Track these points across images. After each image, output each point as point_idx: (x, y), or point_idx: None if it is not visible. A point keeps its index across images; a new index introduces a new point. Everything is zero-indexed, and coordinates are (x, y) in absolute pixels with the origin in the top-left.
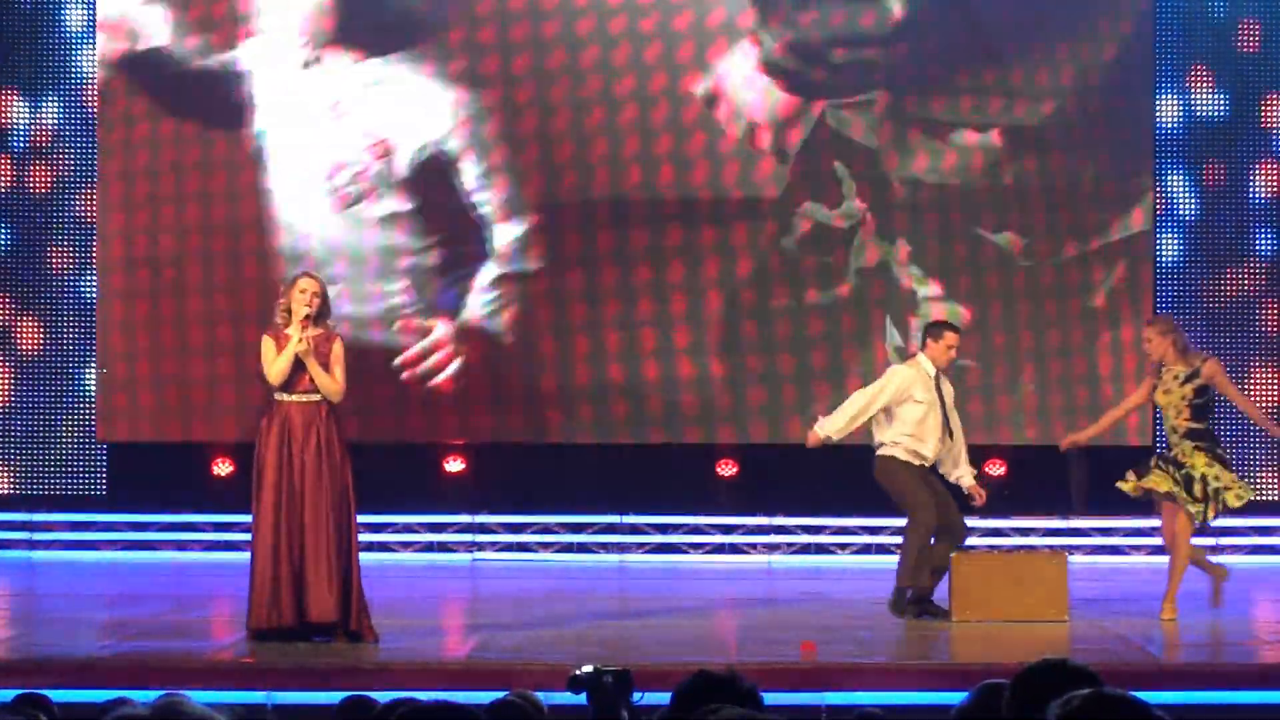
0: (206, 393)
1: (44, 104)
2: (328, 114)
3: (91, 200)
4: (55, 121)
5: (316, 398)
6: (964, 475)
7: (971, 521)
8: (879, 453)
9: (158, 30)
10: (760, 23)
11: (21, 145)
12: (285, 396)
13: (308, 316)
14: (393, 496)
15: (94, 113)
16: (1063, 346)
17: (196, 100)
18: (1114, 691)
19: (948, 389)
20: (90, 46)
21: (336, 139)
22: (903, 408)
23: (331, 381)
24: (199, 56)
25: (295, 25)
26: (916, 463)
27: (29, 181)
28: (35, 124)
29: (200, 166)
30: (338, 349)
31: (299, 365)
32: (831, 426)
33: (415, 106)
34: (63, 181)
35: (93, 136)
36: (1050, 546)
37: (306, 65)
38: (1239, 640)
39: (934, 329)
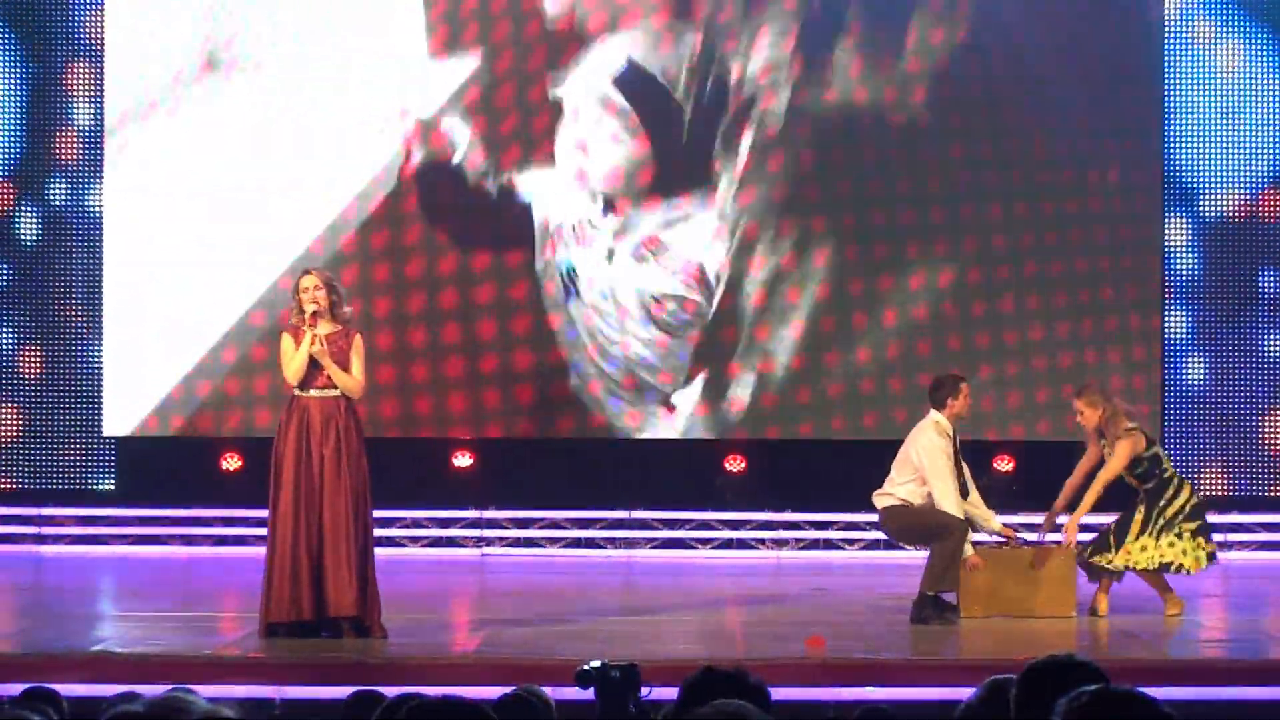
0: (215, 387)
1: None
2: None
3: (100, 196)
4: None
5: (335, 393)
6: (991, 520)
7: None
8: (885, 505)
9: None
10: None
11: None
12: (304, 392)
13: (315, 314)
14: (401, 491)
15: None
16: (1072, 337)
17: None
18: (1121, 688)
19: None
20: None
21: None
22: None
23: (349, 379)
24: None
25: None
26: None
27: (44, 178)
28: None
29: None
30: (358, 343)
31: (317, 361)
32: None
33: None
34: (74, 177)
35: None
36: (1058, 542)
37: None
38: (1246, 636)
39: (951, 385)
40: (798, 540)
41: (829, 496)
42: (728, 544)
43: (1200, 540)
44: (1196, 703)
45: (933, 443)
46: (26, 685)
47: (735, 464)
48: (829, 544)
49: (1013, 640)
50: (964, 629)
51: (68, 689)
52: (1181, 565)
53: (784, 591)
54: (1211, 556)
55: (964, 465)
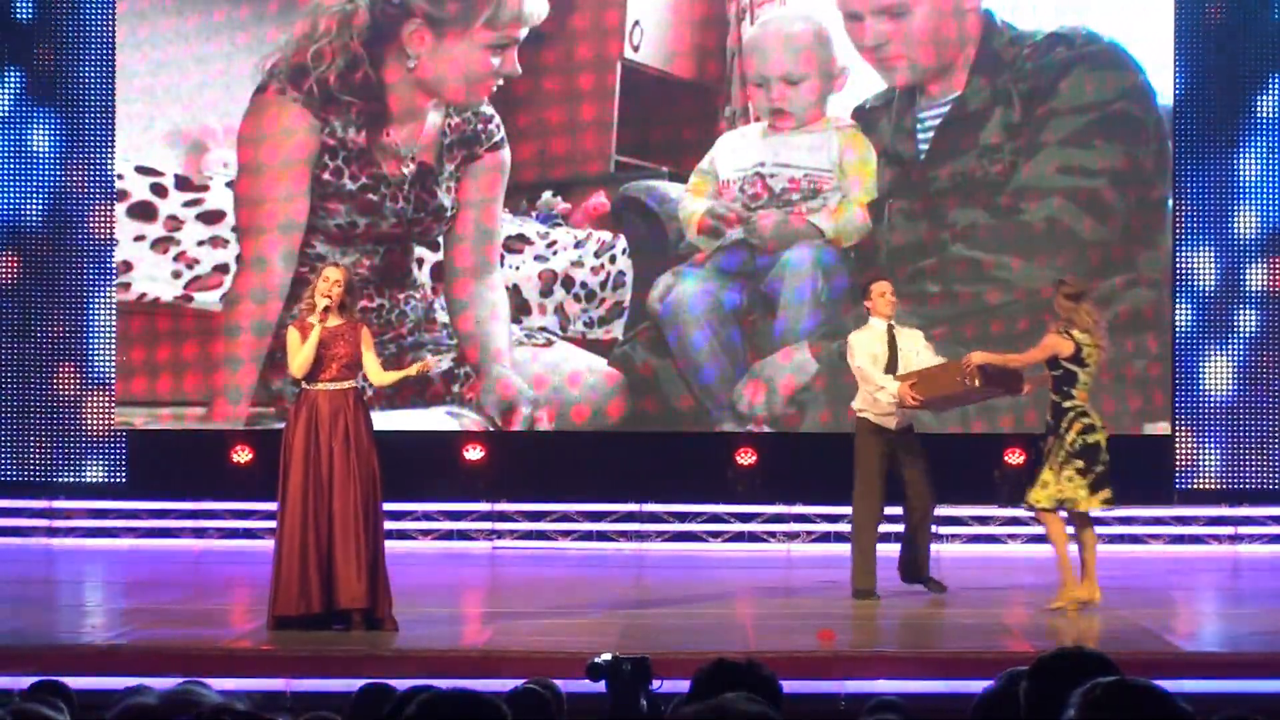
0: (226, 379)
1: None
2: None
3: (111, 183)
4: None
5: (344, 385)
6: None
7: (988, 511)
8: (857, 415)
9: None
10: None
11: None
12: (312, 385)
13: (327, 309)
14: (412, 484)
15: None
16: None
17: None
18: (1135, 680)
19: (910, 335)
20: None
21: None
22: None
23: (383, 374)
24: None
25: None
26: (882, 427)
27: (52, 170)
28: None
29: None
30: (366, 335)
31: (323, 353)
32: (887, 385)
33: None
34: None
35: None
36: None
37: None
38: (1259, 629)
39: (863, 291)
40: (809, 533)
41: (840, 489)
42: (739, 537)
43: (1086, 481)
44: (1208, 696)
45: (854, 344)
46: (36, 678)
47: (746, 457)
48: (840, 537)
49: (1023, 633)
50: (973, 622)
51: (78, 682)
52: (1066, 498)
53: (795, 584)
54: (1107, 503)
55: (919, 356)
